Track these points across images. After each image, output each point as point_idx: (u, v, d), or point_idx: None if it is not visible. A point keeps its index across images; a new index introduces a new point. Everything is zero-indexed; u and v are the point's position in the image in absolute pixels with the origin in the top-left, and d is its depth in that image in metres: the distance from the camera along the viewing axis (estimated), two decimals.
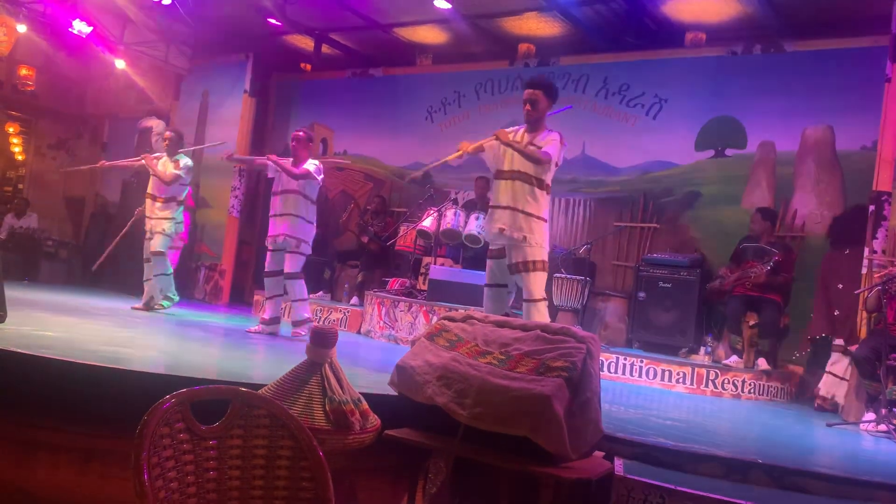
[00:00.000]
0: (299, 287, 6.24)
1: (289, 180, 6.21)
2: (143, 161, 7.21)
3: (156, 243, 7.03)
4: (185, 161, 7.15)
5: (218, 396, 1.98)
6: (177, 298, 7.20)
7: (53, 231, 11.03)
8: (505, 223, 4.58)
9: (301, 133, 6.39)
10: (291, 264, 6.20)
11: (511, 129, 4.81)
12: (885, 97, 5.95)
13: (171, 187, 7.07)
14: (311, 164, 6.23)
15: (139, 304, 7.17)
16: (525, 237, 4.54)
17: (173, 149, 7.19)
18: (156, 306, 7.09)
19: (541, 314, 4.59)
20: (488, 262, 4.81)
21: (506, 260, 4.67)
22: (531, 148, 4.55)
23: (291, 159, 6.33)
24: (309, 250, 6.30)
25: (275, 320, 6.34)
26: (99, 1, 9.00)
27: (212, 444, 1.91)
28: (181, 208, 7.28)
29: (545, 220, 4.66)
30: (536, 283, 4.59)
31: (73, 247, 10.90)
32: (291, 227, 6.16)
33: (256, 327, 6.35)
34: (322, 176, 6.33)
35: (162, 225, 7.03)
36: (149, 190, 7.18)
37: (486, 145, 4.72)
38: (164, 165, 7.11)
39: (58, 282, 9.92)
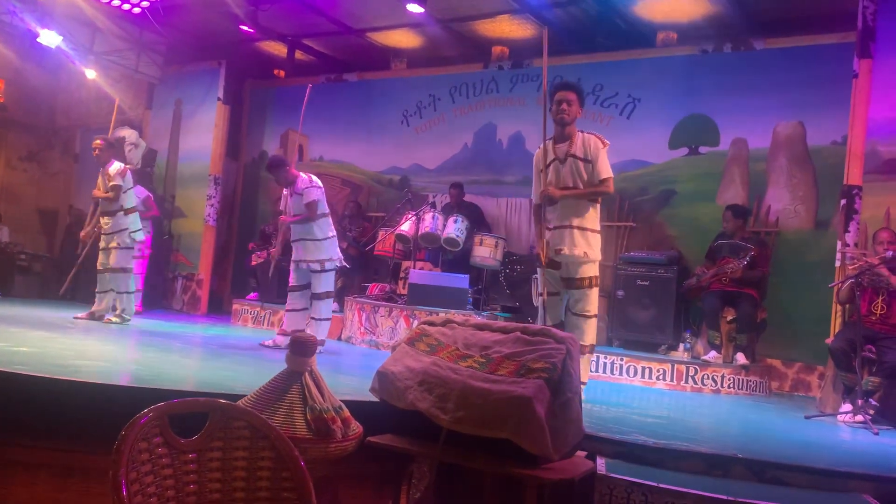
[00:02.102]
0: (326, 306, 6.19)
1: (294, 207, 6.14)
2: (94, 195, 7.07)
3: (114, 259, 6.90)
4: (114, 167, 6.95)
5: (196, 409, 1.97)
6: (129, 321, 6.98)
7: (26, 244, 10.86)
8: (563, 244, 4.61)
9: (272, 161, 6.34)
10: (322, 284, 6.14)
11: (539, 152, 4.76)
12: (853, 92, 6.04)
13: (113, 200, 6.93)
14: (306, 189, 6.10)
15: (83, 315, 6.98)
16: (585, 252, 4.60)
17: (105, 157, 7.00)
18: (105, 320, 6.90)
19: (592, 330, 4.67)
20: (539, 271, 4.81)
21: (559, 272, 4.69)
22: (593, 188, 4.59)
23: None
24: (336, 264, 6.23)
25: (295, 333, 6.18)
26: (67, 10, 8.89)
27: (191, 457, 1.90)
28: (135, 216, 7.09)
29: (599, 232, 4.73)
30: (592, 298, 4.67)
31: (47, 260, 10.74)
32: (310, 252, 6.10)
33: (272, 340, 6.26)
34: (321, 186, 6.23)
35: (115, 239, 6.90)
36: (97, 204, 7.07)
37: (541, 198, 4.69)
38: (102, 183, 6.97)
39: (32, 296, 9.77)
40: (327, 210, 6.27)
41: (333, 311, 8.25)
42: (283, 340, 6.14)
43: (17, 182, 11.32)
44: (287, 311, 6.31)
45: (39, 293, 10.07)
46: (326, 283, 6.18)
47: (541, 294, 4.81)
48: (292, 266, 6.26)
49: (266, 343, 6.25)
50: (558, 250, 4.61)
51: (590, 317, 4.67)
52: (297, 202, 6.14)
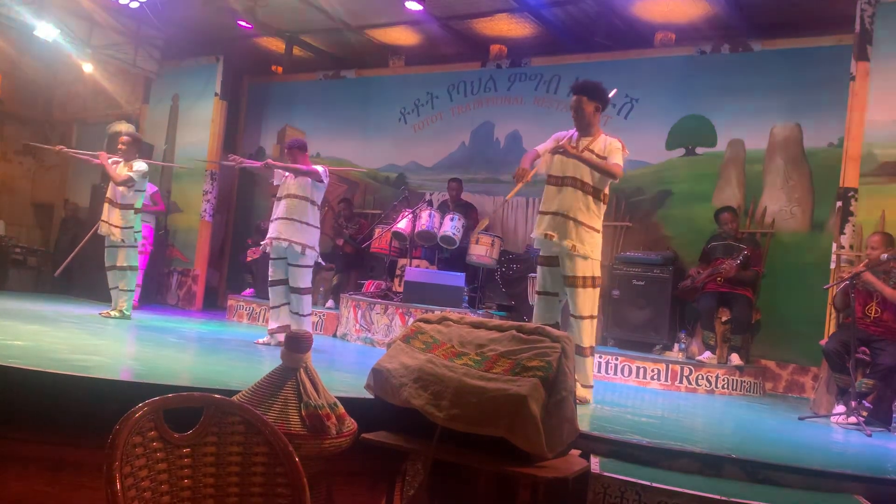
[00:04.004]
0: (306, 302, 6.09)
1: (294, 185, 6.00)
2: (99, 159, 7.06)
3: (123, 257, 6.93)
4: (139, 165, 6.97)
5: (191, 404, 1.96)
6: (129, 316, 6.98)
7: (21, 238, 10.83)
8: (553, 229, 4.49)
9: (292, 142, 6.22)
10: (301, 279, 6.02)
11: (563, 133, 4.71)
12: (849, 95, 6.05)
13: (129, 194, 6.93)
14: (318, 167, 6.07)
15: (108, 311, 7.02)
16: (574, 246, 4.45)
17: (130, 153, 7.03)
18: (103, 314, 6.91)
19: (587, 332, 4.53)
20: (539, 268, 4.74)
21: (559, 269, 4.59)
22: (604, 162, 4.46)
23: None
24: (315, 257, 6.08)
25: (283, 329, 6.07)
26: (65, 3, 8.86)
27: (186, 451, 1.90)
28: (138, 217, 7.10)
29: (598, 232, 4.57)
30: (585, 299, 4.53)
31: (42, 254, 10.71)
32: (295, 233, 5.91)
33: (265, 339, 6.21)
34: (328, 180, 6.15)
35: (121, 234, 6.90)
36: (107, 194, 7.03)
37: (542, 155, 4.61)
38: (120, 169, 6.98)
39: (26, 289, 9.75)
40: (319, 203, 6.21)
41: (329, 308, 8.31)
42: (273, 339, 6.12)
43: (12, 175, 11.29)
44: (271, 307, 6.24)
45: (34, 287, 10.05)
46: (305, 278, 6.06)
47: (537, 293, 4.79)
48: (269, 251, 6.08)
49: (260, 342, 6.23)
50: (548, 235, 4.50)
51: (587, 318, 4.56)
52: (301, 182, 6.01)
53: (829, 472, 3.25)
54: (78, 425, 3.03)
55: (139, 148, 7.26)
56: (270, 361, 3.05)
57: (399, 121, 9.50)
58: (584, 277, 4.53)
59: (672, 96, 7.74)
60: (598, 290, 4.62)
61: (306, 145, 6.39)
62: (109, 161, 7.00)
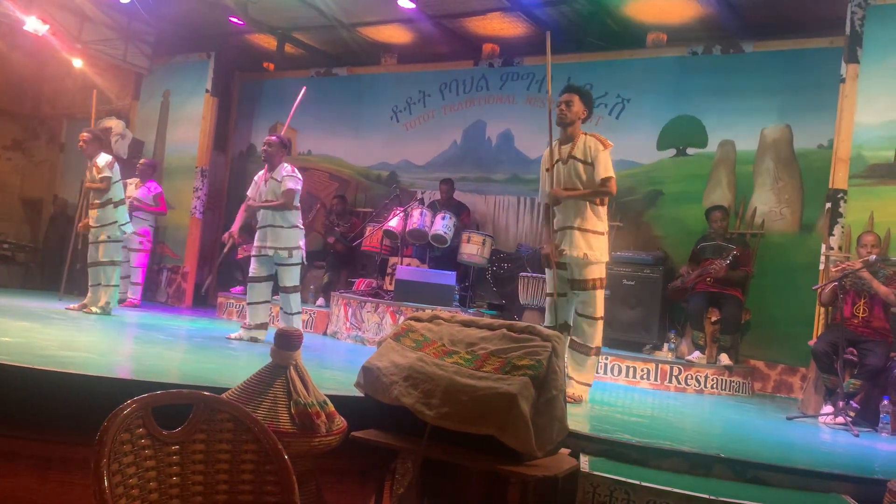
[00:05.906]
0: (295, 300, 6.13)
1: (271, 192, 6.06)
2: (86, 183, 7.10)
3: (102, 252, 6.92)
4: (102, 158, 6.96)
5: (180, 401, 1.95)
6: (110, 313, 6.96)
7: (10, 234, 10.76)
8: (565, 244, 4.66)
9: (274, 138, 6.19)
10: (289, 277, 6.10)
11: (547, 148, 4.81)
12: (839, 97, 6.08)
13: (103, 191, 6.93)
14: (287, 176, 6.04)
15: (76, 306, 7.01)
16: (585, 254, 4.61)
17: (92, 150, 7.01)
18: (85, 310, 6.91)
19: (599, 333, 4.70)
20: (548, 271, 4.83)
21: (566, 273, 4.71)
22: (596, 187, 4.61)
23: (265, 167, 6.18)
24: (302, 256, 6.15)
25: (260, 326, 6.14)
26: None
27: (174, 449, 1.89)
28: (123, 208, 7.12)
29: (604, 234, 4.73)
30: (598, 301, 4.69)
31: (31, 250, 10.65)
32: (279, 239, 6.01)
33: (237, 333, 6.18)
34: (301, 178, 6.19)
35: (104, 232, 6.93)
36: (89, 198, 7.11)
37: (547, 198, 4.76)
38: (92, 176, 6.98)
39: (14, 286, 9.69)
40: (299, 204, 6.22)
41: (320, 306, 8.29)
42: (247, 333, 6.11)
43: (1, 171, 11.21)
44: (248, 303, 6.21)
45: (22, 283, 9.98)
46: (293, 276, 6.12)
47: (548, 294, 4.84)
48: (254, 253, 6.12)
49: (232, 336, 6.18)
50: (561, 251, 4.67)
51: (595, 319, 4.70)
52: (273, 188, 6.06)
53: (817, 471, 3.27)
54: (66, 422, 3.02)
55: (101, 144, 7.22)
56: (260, 359, 3.04)
57: (391, 119, 9.49)
58: (594, 280, 4.68)
59: (663, 97, 7.76)
60: (604, 290, 4.77)
61: (283, 142, 6.29)
62: (87, 180, 7.03)
